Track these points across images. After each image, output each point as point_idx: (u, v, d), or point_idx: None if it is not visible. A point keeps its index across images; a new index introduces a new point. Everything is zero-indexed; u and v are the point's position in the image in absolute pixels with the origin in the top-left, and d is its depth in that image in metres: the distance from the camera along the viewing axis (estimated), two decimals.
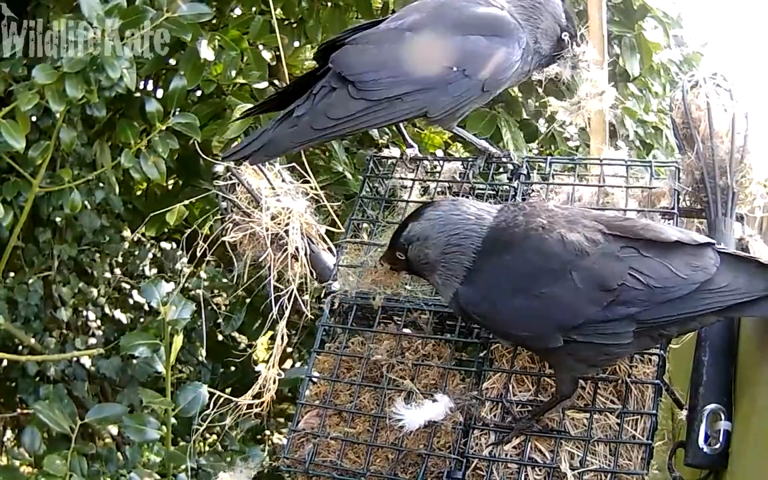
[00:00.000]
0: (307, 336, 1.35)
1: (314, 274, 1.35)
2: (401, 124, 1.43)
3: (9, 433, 2.75)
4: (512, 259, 1.03)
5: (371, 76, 1.25)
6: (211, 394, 1.30)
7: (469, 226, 1.06)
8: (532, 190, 1.33)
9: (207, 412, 1.29)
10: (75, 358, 2.45)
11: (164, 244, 2.86)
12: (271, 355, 1.28)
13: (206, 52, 2.05)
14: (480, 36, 1.29)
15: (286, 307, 1.29)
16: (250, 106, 2.02)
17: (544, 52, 1.35)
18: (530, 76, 1.38)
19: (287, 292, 1.29)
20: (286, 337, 1.29)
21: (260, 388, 1.26)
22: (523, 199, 1.31)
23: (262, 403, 1.26)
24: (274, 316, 1.29)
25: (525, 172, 1.34)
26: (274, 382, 1.26)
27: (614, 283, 0.98)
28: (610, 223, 1.03)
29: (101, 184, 2.32)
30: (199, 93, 2.45)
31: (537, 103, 2.69)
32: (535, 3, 1.35)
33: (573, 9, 2.38)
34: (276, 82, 2.56)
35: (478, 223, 1.06)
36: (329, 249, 1.40)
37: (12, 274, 2.46)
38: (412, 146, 1.41)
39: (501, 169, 1.40)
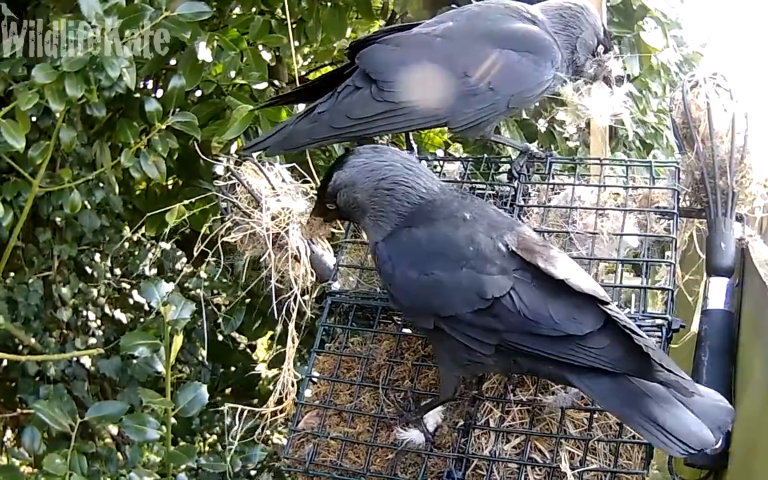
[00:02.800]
0: (307, 336, 1.35)
1: (314, 275, 1.35)
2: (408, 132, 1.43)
3: (9, 433, 2.74)
4: (423, 235, 1.07)
5: (394, 77, 1.25)
6: (234, 409, 1.30)
7: (399, 173, 1.10)
8: (531, 190, 1.33)
9: (235, 428, 1.29)
10: (75, 358, 2.45)
11: (164, 244, 2.86)
12: (286, 358, 1.28)
13: (204, 53, 2.05)
14: (511, 50, 1.26)
15: (293, 309, 1.29)
16: (270, 100, 2.03)
17: (580, 63, 1.32)
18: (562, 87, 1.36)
19: (292, 294, 1.29)
20: (297, 339, 1.29)
21: (280, 394, 1.26)
22: (524, 199, 1.31)
23: (284, 408, 1.26)
24: (282, 318, 1.29)
25: (525, 171, 1.34)
26: (293, 385, 1.26)
27: (490, 294, 1.00)
28: (521, 241, 1.04)
29: (101, 184, 2.32)
30: (198, 93, 2.45)
31: (537, 103, 2.69)
32: (575, 13, 1.32)
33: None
34: (276, 82, 2.56)
35: (412, 179, 1.10)
36: (329, 249, 1.40)
37: (12, 274, 2.46)
38: (411, 149, 1.41)
39: (501, 169, 1.39)
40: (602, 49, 1.34)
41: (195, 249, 1.37)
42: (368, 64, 1.26)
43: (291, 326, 1.29)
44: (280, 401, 1.26)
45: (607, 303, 1.00)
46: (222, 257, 1.35)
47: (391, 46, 1.28)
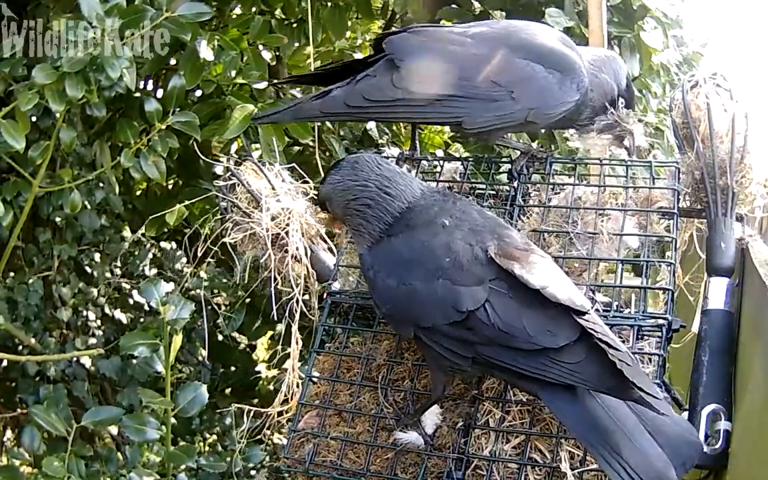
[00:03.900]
0: (307, 336, 1.35)
1: (315, 275, 1.35)
2: (416, 128, 1.43)
3: (9, 433, 2.74)
4: (402, 243, 1.08)
5: (417, 67, 1.24)
6: (240, 409, 1.30)
7: (370, 195, 1.11)
8: (531, 190, 1.33)
9: (242, 427, 1.29)
10: (75, 358, 2.45)
11: (164, 244, 2.86)
12: (291, 359, 1.28)
13: (206, 52, 2.05)
14: (540, 65, 1.25)
15: (296, 310, 1.29)
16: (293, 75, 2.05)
17: (595, 106, 1.31)
18: (577, 125, 1.35)
19: (293, 295, 1.29)
20: (300, 341, 1.29)
21: (285, 395, 1.26)
22: (524, 199, 1.31)
23: (290, 408, 1.26)
24: (285, 319, 1.29)
25: (525, 171, 1.34)
26: (298, 386, 1.27)
27: (465, 307, 1.00)
28: (501, 246, 1.03)
29: (101, 184, 2.31)
30: (199, 93, 2.45)
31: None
32: (605, 57, 1.32)
33: (580, 20, 2.38)
34: (276, 82, 2.56)
35: (385, 200, 1.11)
36: (329, 249, 1.40)
37: (12, 274, 2.46)
38: (415, 148, 1.41)
39: (501, 169, 1.39)
40: (623, 101, 1.32)
41: (199, 250, 1.37)
42: (395, 49, 1.26)
43: (294, 328, 1.29)
44: (285, 402, 1.26)
45: (584, 313, 0.98)
46: (233, 258, 1.35)
47: (421, 36, 1.28)
